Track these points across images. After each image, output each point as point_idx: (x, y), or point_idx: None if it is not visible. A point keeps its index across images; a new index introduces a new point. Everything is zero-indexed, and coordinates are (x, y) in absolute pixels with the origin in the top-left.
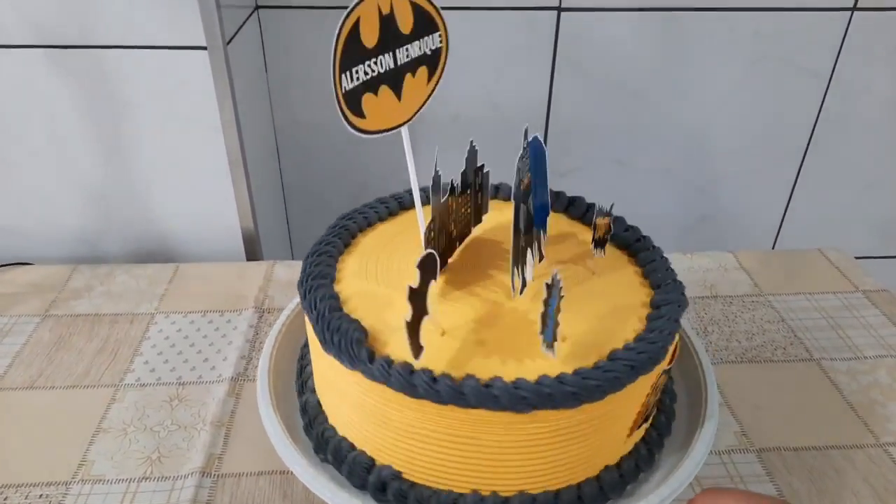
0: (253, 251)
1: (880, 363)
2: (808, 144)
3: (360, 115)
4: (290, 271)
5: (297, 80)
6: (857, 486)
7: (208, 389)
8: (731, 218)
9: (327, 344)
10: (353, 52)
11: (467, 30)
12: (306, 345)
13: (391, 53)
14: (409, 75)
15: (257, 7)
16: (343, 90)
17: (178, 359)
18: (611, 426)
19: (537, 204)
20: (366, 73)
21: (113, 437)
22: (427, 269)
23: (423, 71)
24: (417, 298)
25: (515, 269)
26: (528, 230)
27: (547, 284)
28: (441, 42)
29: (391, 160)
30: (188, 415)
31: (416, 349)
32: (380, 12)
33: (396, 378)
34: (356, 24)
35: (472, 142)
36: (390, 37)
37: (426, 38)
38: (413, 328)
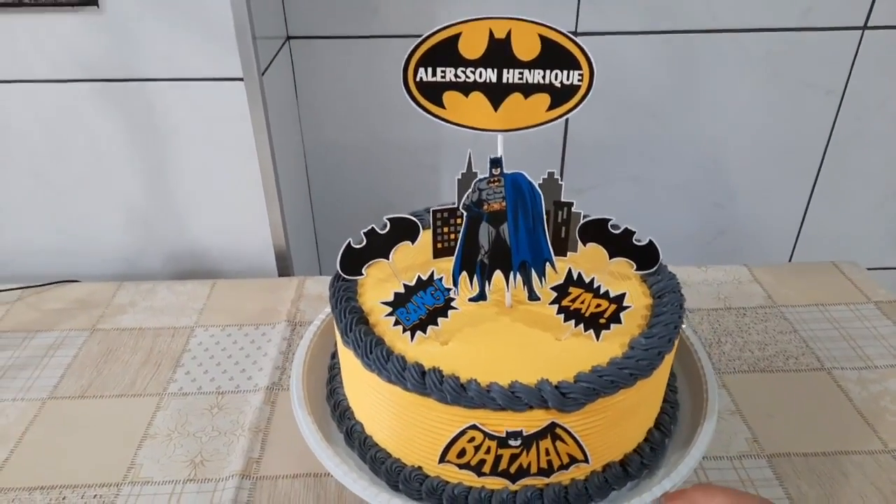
0: (284, 267)
1: (891, 372)
2: (823, 159)
3: (439, 104)
4: (321, 286)
5: (325, 105)
6: (864, 489)
7: (245, 398)
8: (747, 232)
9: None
10: (443, 55)
11: None
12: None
13: (495, 70)
14: (517, 95)
15: (288, 38)
16: (417, 78)
17: (217, 369)
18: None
19: (531, 250)
20: (456, 76)
21: (159, 443)
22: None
23: (541, 98)
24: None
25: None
26: (502, 257)
27: None
28: (581, 81)
29: (415, 180)
30: (227, 421)
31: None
32: (491, 34)
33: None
34: (456, 36)
35: (552, 172)
36: (499, 57)
37: (557, 71)
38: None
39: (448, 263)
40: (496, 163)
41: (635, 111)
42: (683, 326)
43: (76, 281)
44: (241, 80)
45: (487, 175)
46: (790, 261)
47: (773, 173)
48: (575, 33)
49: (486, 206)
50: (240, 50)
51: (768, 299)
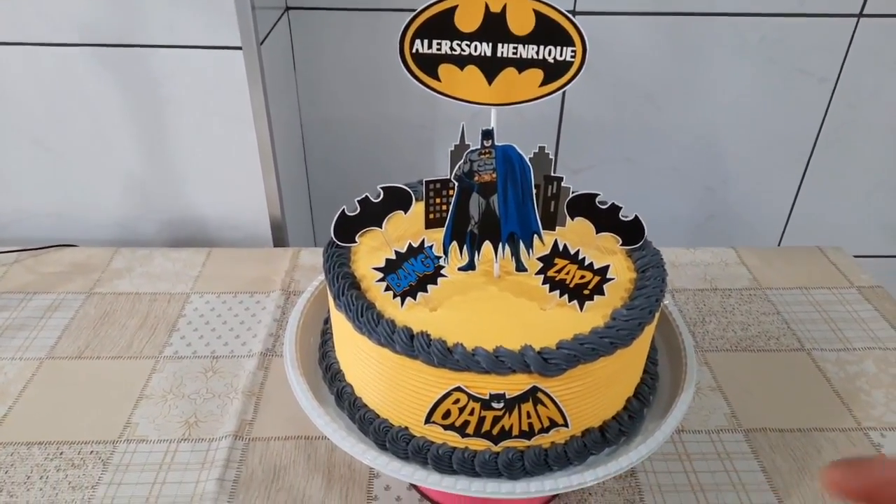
0: (280, 237)
1: (868, 354)
2: (815, 146)
3: (434, 77)
4: (315, 257)
5: (323, 77)
6: None
7: (240, 363)
8: (738, 216)
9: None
10: (439, 28)
11: None
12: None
13: (490, 44)
14: (511, 69)
15: (287, 8)
16: (413, 50)
17: (212, 335)
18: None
19: (519, 223)
20: (452, 49)
21: (154, 403)
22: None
23: (534, 73)
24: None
25: (467, 247)
26: (491, 228)
27: None
28: (573, 57)
29: (411, 156)
30: (221, 385)
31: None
32: (487, 9)
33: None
34: (452, 9)
35: (543, 147)
36: (494, 31)
37: (551, 47)
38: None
39: (439, 234)
40: (488, 134)
41: (631, 93)
42: (667, 303)
43: (73, 245)
44: (239, 48)
45: (479, 147)
46: (779, 243)
47: (765, 159)
48: (573, 13)
49: (476, 178)
50: (238, 19)
51: (754, 281)
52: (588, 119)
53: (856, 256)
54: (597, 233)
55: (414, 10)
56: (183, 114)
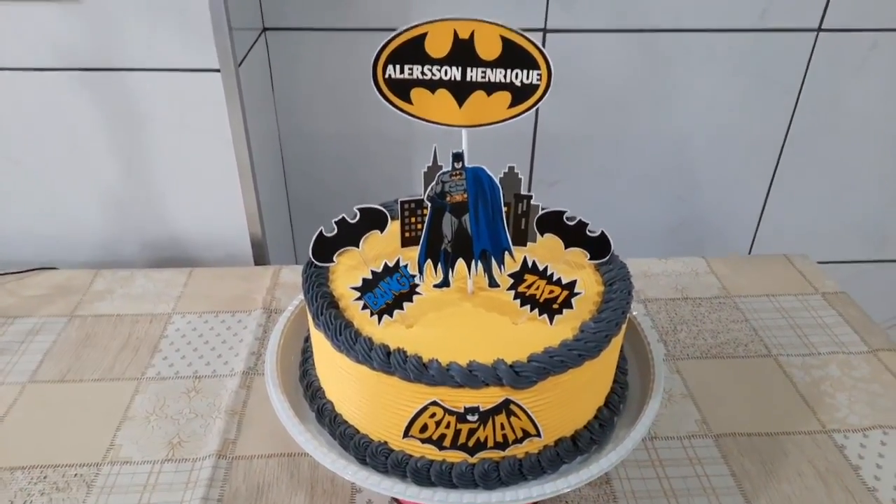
0: (260, 255)
1: (832, 359)
2: (781, 154)
3: (407, 100)
4: (295, 275)
5: (301, 95)
6: (802, 466)
7: (222, 382)
8: (709, 224)
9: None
10: (410, 53)
11: None
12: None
13: (460, 68)
14: (480, 92)
15: (265, 29)
16: (386, 75)
17: (194, 355)
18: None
19: (491, 240)
20: (423, 74)
21: (137, 424)
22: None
23: (503, 95)
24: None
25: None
26: (464, 246)
27: None
28: (539, 80)
29: (389, 170)
30: (204, 405)
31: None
32: (456, 35)
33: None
34: (422, 35)
35: (513, 167)
36: (463, 56)
37: (518, 70)
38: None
39: (414, 252)
40: (458, 157)
41: (603, 106)
42: (636, 314)
43: (54, 268)
44: (217, 71)
45: (450, 168)
46: (750, 251)
47: (733, 167)
48: (544, 30)
49: (448, 198)
50: (216, 41)
51: (723, 290)
52: (561, 132)
53: (823, 262)
54: (566, 248)
55: (389, 29)
56: (162, 135)
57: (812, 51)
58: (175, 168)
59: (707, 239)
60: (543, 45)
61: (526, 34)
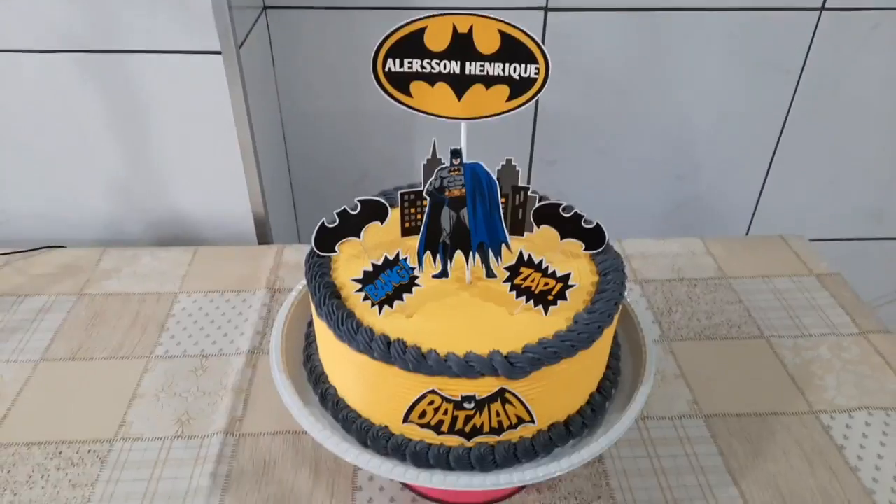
0: (263, 234)
1: (823, 340)
2: (780, 136)
3: (406, 93)
4: (298, 254)
5: (302, 74)
6: (788, 446)
7: (228, 361)
8: (708, 204)
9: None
10: (410, 47)
11: None
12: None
13: (458, 62)
14: (479, 86)
15: (265, 7)
16: (386, 69)
17: (201, 334)
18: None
19: (488, 233)
20: (423, 67)
21: (147, 402)
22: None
23: (501, 89)
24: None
25: (440, 256)
26: (462, 238)
27: None
28: (537, 74)
29: (390, 150)
30: (211, 383)
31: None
32: (455, 29)
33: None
34: (421, 30)
35: (510, 160)
36: (461, 50)
37: (516, 64)
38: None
39: (414, 241)
40: (456, 153)
41: (603, 86)
42: (629, 300)
43: (61, 247)
44: (218, 53)
45: (449, 164)
46: (748, 230)
47: (733, 148)
48: (545, 9)
49: (447, 192)
50: (217, 23)
51: (719, 271)
52: (562, 112)
53: (819, 240)
54: (561, 238)
55: (390, 8)
56: (164, 116)
57: (815, 30)
58: (178, 149)
59: (706, 218)
60: (545, 23)
61: (524, 29)
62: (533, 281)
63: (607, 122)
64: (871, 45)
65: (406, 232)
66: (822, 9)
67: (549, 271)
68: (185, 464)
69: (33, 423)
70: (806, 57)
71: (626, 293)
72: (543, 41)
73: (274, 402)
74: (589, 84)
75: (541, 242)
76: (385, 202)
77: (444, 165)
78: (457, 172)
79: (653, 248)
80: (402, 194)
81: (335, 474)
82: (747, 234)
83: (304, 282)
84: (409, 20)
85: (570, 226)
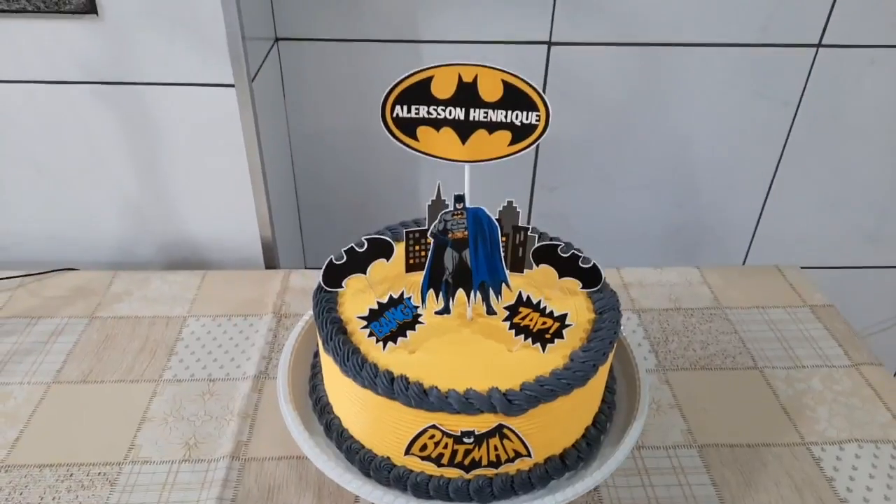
0: (270, 258)
1: (815, 372)
2: (778, 165)
3: (413, 137)
4: (304, 280)
5: (311, 102)
6: (779, 477)
7: (235, 385)
8: (706, 230)
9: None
10: (417, 95)
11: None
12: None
13: (463, 109)
14: (482, 131)
15: (277, 39)
16: (394, 115)
17: (209, 357)
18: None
19: (489, 273)
20: (429, 113)
21: (156, 426)
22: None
23: (503, 134)
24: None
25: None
26: (464, 277)
27: None
28: (538, 121)
29: (393, 175)
30: (218, 407)
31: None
32: (460, 78)
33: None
34: (428, 79)
35: (511, 201)
36: (466, 97)
37: (518, 111)
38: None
39: (417, 277)
40: (460, 199)
41: (605, 116)
42: (624, 332)
43: (74, 269)
44: (231, 86)
45: (452, 209)
46: (745, 256)
47: (731, 177)
48: (549, 43)
49: (450, 235)
50: (231, 58)
51: (714, 301)
52: (564, 139)
53: (816, 267)
54: (560, 277)
55: (398, 41)
56: (177, 144)
57: (811, 66)
58: (189, 176)
59: (704, 245)
60: (548, 56)
61: (526, 79)
62: (531, 320)
63: (608, 151)
64: (868, 80)
65: (410, 268)
66: (820, 45)
67: (547, 311)
68: (193, 487)
69: (45, 445)
70: (803, 90)
71: (624, 323)
72: (547, 73)
73: (279, 427)
74: (591, 113)
75: (540, 279)
76: (391, 240)
77: (447, 210)
78: (460, 217)
79: (650, 277)
80: (407, 233)
81: (338, 499)
82: (745, 259)
83: (311, 312)
84: (416, 70)
85: (567, 265)
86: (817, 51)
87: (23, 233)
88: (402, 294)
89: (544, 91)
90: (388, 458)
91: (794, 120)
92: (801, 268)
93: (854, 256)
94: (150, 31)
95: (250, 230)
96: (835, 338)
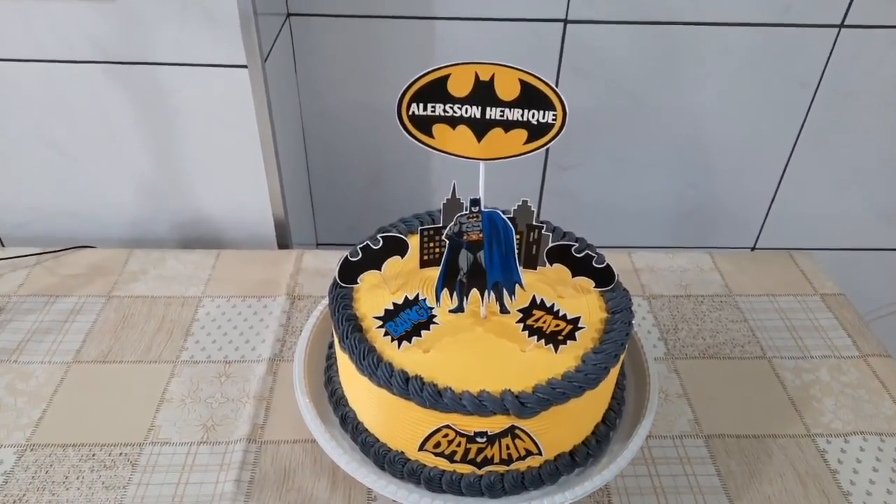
0: (282, 235)
1: (823, 363)
2: (794, 147)
3: (429, 134)
4: (317, 261)
5: (323, 81)
6: (783, 468)
7: (250, 368)
8: (719, 212)
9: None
10: (433, 93)
11: (481, 39)
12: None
13: (479, 107)
14: (498, 129)
15: (289, 15)
16: (410, 112)
17: (224, 339)
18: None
19: (503, 273)
20: (445, 112)
21: (175, 407)
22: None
23: (519, 133)
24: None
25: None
26: (478, 277)
27: None
28: (554, 120)
29: (405, 152)
30: (235, 389)
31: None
32: (477, 77)
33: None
34: (445, 77)
35: (526, 200)
36: (483, 96)
37: (534, 111)
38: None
39: (432, 272)
40: (475, 202)
41: (620, 96)
42: (635, 323)
43: (90, 247)
44: (244, 67)
45: (468, 211)
46: (757, 237)
47: (747, 158)
48: (565, 21)
49: (465, 237)
50: (243, 38)
51: (725, 288)
52: (578, 119)
53: (830, 249)
54: (573, 276)
55: (411, 18)
56: (191, 123)
57: (833, 47)
58: (203, 155)
59: (717, 225)
60: (563, 34)
61: (544, 78)
62: (544, 322)
63: (622, 130)
64: (889, 62)
65: (424, 264)
66: (842, 26)
67: (560, 314)
68: (211, 469)
69: (68, 424)
70: (823, 72)
71: (634, 313)
72: (562, 51)
73: (294, 411)
74: (605, 92)
75: (554, 276)
76: (405, 238)
77: (463, 213)
78: (475, 219)
79: (662, 263)
80: (421, 231)
81: (352, 481)
82: (757, 239)
83: (324, 299)
84: (433, 68)
85: (581, 265)
86: (839, 31)
87: (39, 209)
88: (417, 296)
89: (559, 69)
90: (403, 452)
91: (811, 102)
92: (814, 249)
93: (868, 238)
94: (162, 11)
95: (263, 208)
96: (844, 328)
